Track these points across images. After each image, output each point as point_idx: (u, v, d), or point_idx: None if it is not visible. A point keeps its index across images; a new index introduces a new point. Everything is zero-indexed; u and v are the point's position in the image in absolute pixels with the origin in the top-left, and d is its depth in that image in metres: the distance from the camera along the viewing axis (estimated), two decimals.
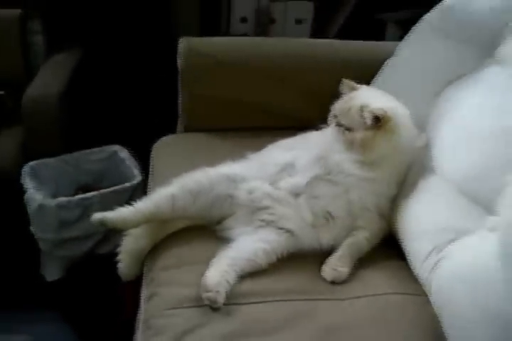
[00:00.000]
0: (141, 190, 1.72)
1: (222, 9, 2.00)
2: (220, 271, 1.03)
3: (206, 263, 1.08)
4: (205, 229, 1.19)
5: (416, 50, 1.37)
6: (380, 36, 2.08)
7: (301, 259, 1.12)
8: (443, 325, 0.96)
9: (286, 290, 1.05)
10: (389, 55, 1.47)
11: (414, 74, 1.32)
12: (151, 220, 1.16)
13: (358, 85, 1.19)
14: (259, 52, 1.54)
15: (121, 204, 1.59)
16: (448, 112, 1.14)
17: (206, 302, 0.99)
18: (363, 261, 1.13)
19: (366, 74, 1.46)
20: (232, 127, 1.57)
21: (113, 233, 1.69)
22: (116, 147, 1.82)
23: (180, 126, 1.61)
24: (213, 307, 0.99)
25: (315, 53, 1.54)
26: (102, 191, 1.62)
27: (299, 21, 2.06)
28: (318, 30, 2.09)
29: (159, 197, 1.17)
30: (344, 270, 1.09)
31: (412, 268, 1.09)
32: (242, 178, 1.19)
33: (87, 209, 1.60)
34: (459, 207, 1.03)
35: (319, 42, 1.60)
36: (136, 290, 1.19)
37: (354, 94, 1.15)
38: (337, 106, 1.15)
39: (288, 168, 1.19)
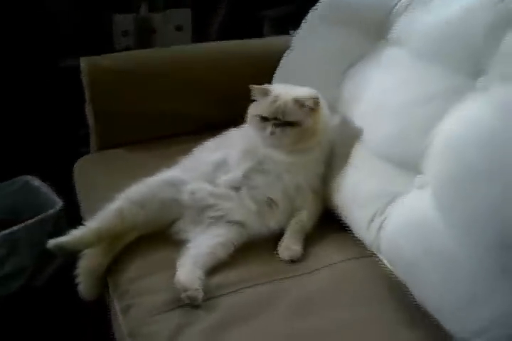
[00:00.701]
0: (64, 215, 1.69)
1: (104, 25, 2.01)
2: (188, 270, 1.08)
3: (170, 267, 1.11)
4: (157, 235, 1.22)
5: (309, 40, 1.49)
6: (258, 34, 2.20)
7: (257, 247, 1.19)
8: (399, 275, 1.08)
9: (253, 277, 1.12)
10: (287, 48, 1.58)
11: (314, 62, 1.44)
12: (105, 236, 1.18)
13: (268, 86, 1.26)
14: (164, 62, 1.58)
15: (48, 234, 1.58)
16: (358, 91, 1.27)
17: (186, 301, 1.03)
18: (310, 238, 1.23)
19: (267, 69, 1.57)
20: (148, 138, 1.60)
21: (45, 264, 1.66)
22: (27, 177, 1.77)
23: (94, 145, 1.60)
24: (194, 305, 1.03)
25: (217, 56, 1.61)
26: (27, 223, 1.58)
27: (179, 28, 2.12)
28: (199, 35, 2.17)
29: (108, 213, 1.19)
30: (297, 248, 1.18)
31: (356, 235, 1.21)
32: (181, 181, 1.24)
33: (14, 244, 1.55)
34: (387, 173, 1.16)
35: (217, 45, 1.67)
36: None
37: (273, 93, 1.21)
38: (265, 110, 1.20)
39: (221, 166, 1.26)
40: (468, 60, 1.09)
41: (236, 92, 1.59)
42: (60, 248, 1.13)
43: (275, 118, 1.19)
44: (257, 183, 1.23)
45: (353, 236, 1.23)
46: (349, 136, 1.26)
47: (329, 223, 1.27)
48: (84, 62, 1.50)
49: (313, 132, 1.21)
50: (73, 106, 2.08)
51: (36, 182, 1.76)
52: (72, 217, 1.66)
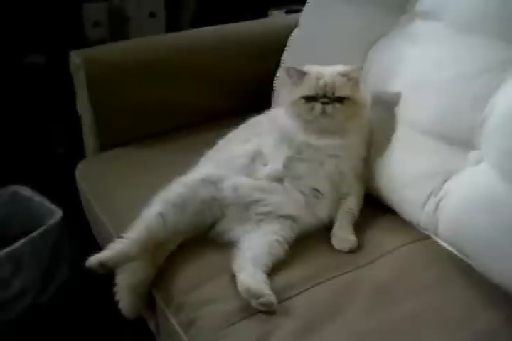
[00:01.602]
0: (66, 225, 1.56)
1: (73, 15, 1.84)
2: (251, 274, 1.01)
3: (223, 273, 1.05)
4: (199, 240, 1.13)
5: (321, 19, 1.42)
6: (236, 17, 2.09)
7: (309, 241, 1.13)
8: (467, 255, 1.05)
9: (318, 273, 1.06)
10: (285, 28, 1.50)
11: (331, 41, 1.37)
12: (150, 246, 1.07)
13: (303, 67, 1.18)
14: (163, 51, 1.46)
15: (51, 247, 1.45)
16: (392, 68, 1.21)
17: (261, 308, 0.96)
18: (359, 225, 1.17)
19: (271, 52, 1.50)
20: (150, 133, 1.49)
21: (50, 280, 1.54)
22: (15, 187, 1.61)
23: (93, 147, 1.47)
24: (269, 311, 0.96)
25: (216, 41, 1.52)
26: (31, 235, 1.44)
27: (152, 15, 1.99)
28: (173, 22, 2.05)
29: (148, 220, 1.09)
30: (353, 237, 1.12)
31: (408, 217, 1.17)
32: (219, 178, 1.15)
33: (19, 260, 1.41)
34: (438, 150, 1.12)
35: (215, 30, 1.56)
36: None
37: (312, 72, 1.15)
38: (312, 89, 1.13)
39: (257, 157, 1.18)
40: None
41: (239, 79, 1.52)
42: (103, 265, 1.02)
43: (323, 97, 1.12)
44: (300, 173, 1.15)
45: (401, 219, 1.19)
46: (389, 114, 1.20)
47: (370, 207, 1.22)
48: (79, 57, 1.36)
49: (362, 107, 1.16)
50: (40, 105, 1.93)
51: (26, 191, 1.60)
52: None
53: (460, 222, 1.06)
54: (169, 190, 1.14)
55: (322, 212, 1.16)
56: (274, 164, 1.16)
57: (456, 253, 1.09)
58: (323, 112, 1.12)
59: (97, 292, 1.49)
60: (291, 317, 0.96)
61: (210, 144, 1.30)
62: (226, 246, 1.11)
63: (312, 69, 1.17)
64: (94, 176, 1.40)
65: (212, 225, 1.14)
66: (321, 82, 1.13)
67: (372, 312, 0.97)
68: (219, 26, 1.56)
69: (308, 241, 1.13)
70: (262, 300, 0.95)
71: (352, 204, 1.18)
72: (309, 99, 1.14)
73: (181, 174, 1.20)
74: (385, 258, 1.10)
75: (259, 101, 1.54)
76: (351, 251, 1.11)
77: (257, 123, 1.29)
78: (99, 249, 1.40)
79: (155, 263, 1.09)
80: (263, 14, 2.11)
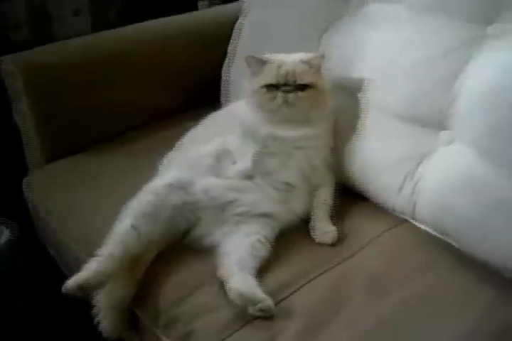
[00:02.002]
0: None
1: None
2: (241, 279, 0.96)
3: (210, 281, 1.00)
4: (175, 248, 1.07)
5: (273, 6, 1.37)
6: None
7: (288, 238, 1.09)
8: (448, 234, 1.06)
9: (306, 270, 1.03)
10: (228, 18, 1.46)
11: (281, 28, 1.32)
12: (127, 261, 0.99)
13: (263, 56, 1.14)
14: (103, 50, 1.36)
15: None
16: (353, 53, 1.19)
17: (259, 314, 0.92)
18: (334, 215, 1.14)
19: (216, 43, 1.46)
20: (100, 138, 1.40)
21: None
22: None
23: (39, 158, 1.36)
24: (267, 316, 0.92)
25: (158, 36, 1.44)
26: None
27: (76, 13, 1.86)
28: (98, 19, 1.93)
29: (121, 234, 1.02)
30: (333, 228, 1.10)
31: (382, 203, 1.16)
32: (187, 181, 1.09)
33: None
34: (409, 134, 1.12)
35: (153, 24, 1.47)
36: None
37: (275, 59, 1.11)
38: (273, 77, 1.09)
39: (224, 156, 1.13)
40: (478, 9, 1.06)
41: (187, 72, 1.47)
42: (81, 288, 0.93)
43: (284, 85, 1.08)
44: (269, 168, 1.11)
45: (374, 205, 1.18)
46: (353, 101, 1.18)
47: (341, 195, 1.18)
48: (12, 62, 1.24)
49: (325, 95, 1.13)
50: None
51: None
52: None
53: (439, 204, 1.07)
54: (137, 200, 1.07)
55: (297, 206, 1.12)
56: (243, 161, 1.11)
57: (438, 234, 1.09)
58: (286, 101, 1.08)
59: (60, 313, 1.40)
60: (292, 319, 0.93)
61: (167, 144, 1.24)
62: (205, 251, 1.06)
63: (272, 57, 1.13)
64: (46, 190, 1.29)
65: (187, 231, 1.09)
66: (283, 70, 1.09)
67: (371, 305, 0.95)
68: (159, 20, 1.48)
69: (288, 237, 1.09)
70: (259, 305, 0.91)
71: (326, 195, 1.15)
72: (270, 88, 1.10)
73: (143, 178, 1.13)
74: (370, 246, 1.09)
75: (210, 92, 1.50)
76: (333, 244, 1.08)
77: (217, 119, 1.24)
78: (56, 268, 1.31)
79: (134, 279, 1.01)
80: (192, 7, 2.04)
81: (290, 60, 1.12)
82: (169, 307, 0.98)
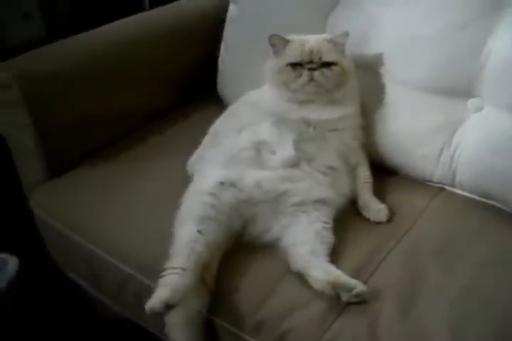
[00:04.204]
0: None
1: None
2: (323, 269, 0.95)
3: (284, 276, 0.98)
4: (236, 250, 1.03)
5: None
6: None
7: (343, 222, 1.08)
8: (493, 197, 1.11)
9: (375, 249, 1.04)
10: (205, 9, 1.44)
11: (286, 11, 1.29)
12: (198, 271, 0.94)
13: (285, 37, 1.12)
14: (95, 52, 1.26)
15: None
16: (367, 31, 1.18)
17: (353, 300, 0.92)
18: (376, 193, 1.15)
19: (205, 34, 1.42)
20: (103, 144, 1.31)
21: None
22: None
23: (41, 174, 1.25)
24: (362, 300, 0.91)
25: (145, 33, 1.35)
26: None
27: (28, 16, 1.72)
28: (50, 21, 1.80)
29: (190, 241, 0.96)
30: (383, 205, 1.11)
31: (420, 175, 1.18)
32: (236, 177, 1.05)
33: None
34: (439, 104, 1.14)
35: (135, 21, 1.37)
36: None
37: (298, 38, 1.11)
38: (298, 55, 1.08)
39: (261, 147, 1.09)
40: None
41: (180, 67, 1.41)
42: (167, 306, 0.87)
43: (309, 63, 1.08)
44: (311, 153, 1.10)
45: (406, 180, 1.20)
46: (375, 77, 1.19)
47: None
48: (7, 71, 1.12)
49: (350, 74, 1.12)
50: None
51: None
52: None
53: (481, 168, 1.10)
54: (192, 203, 1.02)
55: (343, 187, 1.12)
56: (285, 150, 1.08)
57: (480, 198, 1.13)
58: (311, 79, 1.08)
59: None
60: (383, 299, 0.93)
61: (176, 142, 1.27)
62: (267, 247, 1.03)
63: (295, 37, 1.12)
64: (59, 206, 1.19)
65: (244, 229, 1.04)
66: (307, 48, 1.09)
67: (448, 271, 0.97)
68: (139, 15, 1.40)
69: (342, 220, 1.08)
70: (355, 291, 0.90)
71: (366, 174, 1.16)
72: (295, 66, 1.09)
73: (151, 180, 1.17)
74: (423, 217, 1.11)
75: (204, 84, 1.47)
76: (388, 220, 1.09)
77: (239, 110, 1.19)
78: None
79: (207, 288, 0.96)
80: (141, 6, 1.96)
81: (314, 38, 1.11)
82: (252, 310, 0.95)
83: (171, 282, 0.90)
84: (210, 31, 1.41)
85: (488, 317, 0.89)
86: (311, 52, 1.08)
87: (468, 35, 1.08)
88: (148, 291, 1.00)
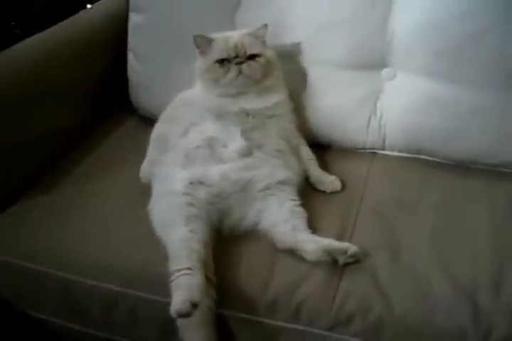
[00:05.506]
0: None
1: None
2: (312, 239, 1.02)
3: (277, 256, 1.03)
4: (220, 243, 1.05)
5: None
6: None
7: (307, 199, 1.14)
8: (424, 150, 1.26)
9: (344, 212, 1.14)
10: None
11: (192, 16, 1.32)
12: (202, 268, 0.96)
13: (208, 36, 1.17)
14: (15, 73, 1.20)
15: None
16: (280, 22, 1.27)
17: (350, 260, 0.99)
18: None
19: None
20: (40, 171, 1.26)
21: None
22: None
23: None
24: (356, 259, 1.00)
25: (48, 50, 1.30)
26: None
27: None
28: None
29: (186, 241, 0.98)
30: (333, 177, 1.21)
31: (352, 145, 1.31)
32: (201, 175, 1.08)
33: None
34: (358, 78, 1.26)
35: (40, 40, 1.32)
36: None
37: (220, 36, 1.17)
38: (223, 52, 1.14)
39: (212, 142, 1.13)
40: None
41: (92, 82, 1.39)
42: (193, 305, 0.88)
43: (236, 57, 1.14)
44: (259, 141, 1.15)
45: (339, 150, 1.32)
46: (296, 63, 1.28)
47: None
48: None
49: (275, 63, 1.20)
50: None
51: None
52: None
53: (409, 129, 1.25)
54: (170, 206, 1.04)
55: (295, 167, 1.19)
56: (236, 142, 1.13)
57: (410, 155, 1.28)
58: (240, 72, 1.14)
59: None
60: (371, 256, 1.01)
61: (111, 158, 1.30)
62: (246, 234, 1.08)
63: (218, 35, 1.18)
64: (18, 239, 1.11)
65: (221, 222, 1.08)
66: (232, 43, 1.15)
67: (416, 219, 1.11)
68: (39, 35, 1.33)
69: (302, 197, 1.14)
70: (349, 252, 0.98)
71: (307, 151, 1.25)
72: (222, 63, 1.15)
73: (105, 196, 1.17)
74: (369, 178, 1.23)
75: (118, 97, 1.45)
76: (342, 188, 1.20)
77: (179, 113, 1.20)
78: None
79: (210, 284, 0.97)
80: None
81: (236, 34, 1.17)
82: (260, 293, 0.98)
83: (186, 282, 0.91)
84: (116, 41, 1.40)
85: (467, 250, 1.02)
86: (236, 46, 1.14)
87: (374, 12, 1.21)
88: (145, 303, 1.01)
